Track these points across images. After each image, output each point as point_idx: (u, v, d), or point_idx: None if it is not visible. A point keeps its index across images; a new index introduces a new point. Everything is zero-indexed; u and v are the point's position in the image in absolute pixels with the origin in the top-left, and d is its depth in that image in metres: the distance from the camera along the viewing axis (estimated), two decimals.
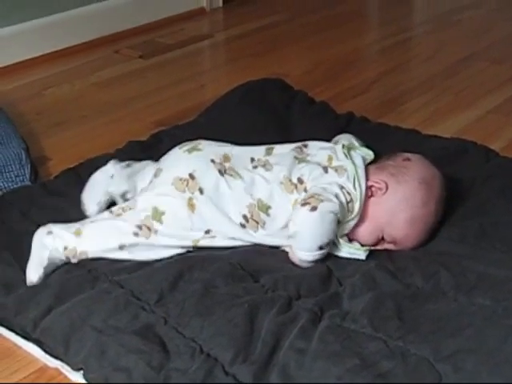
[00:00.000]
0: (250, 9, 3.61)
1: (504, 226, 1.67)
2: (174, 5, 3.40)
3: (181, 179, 1.64)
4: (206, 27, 3.44)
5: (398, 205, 1.62)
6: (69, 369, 1.40)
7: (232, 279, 1.51)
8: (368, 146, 1.75)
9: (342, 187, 1.60)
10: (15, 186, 1.94)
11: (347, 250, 1.60)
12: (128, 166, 1.82)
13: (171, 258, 1.61)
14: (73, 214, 1.76)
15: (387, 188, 1.64)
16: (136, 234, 1.60)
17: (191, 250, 1.63)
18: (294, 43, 3.19)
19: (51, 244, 1.60)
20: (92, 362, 1.36)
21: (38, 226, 1.64)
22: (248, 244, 1.64)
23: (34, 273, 1.58)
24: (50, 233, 1.61)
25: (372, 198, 1.63)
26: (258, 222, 1.61)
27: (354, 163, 1.65)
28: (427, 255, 1.60)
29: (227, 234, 1.62)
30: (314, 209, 1.54)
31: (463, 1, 3.68)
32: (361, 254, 1.60)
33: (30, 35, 2.90)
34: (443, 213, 1.68)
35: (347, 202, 1.59)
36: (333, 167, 1.64)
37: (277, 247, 1.64)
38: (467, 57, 2.94)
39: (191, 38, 3.23)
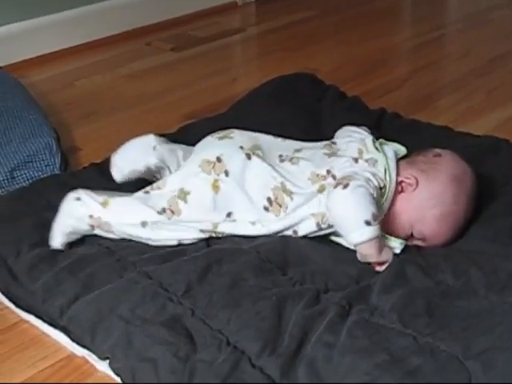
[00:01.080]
0: (283, 3, 3.60)
1: None
2: None
3: (208, 161, 1.65)
4: (238, 21, 3.43)
5: (429, 201, 1.60)
6: (95, 358, 1.40)
7: (260, 272, 1.51)
8: (399, 143, 1.73)
9: (374, 174, 1.58)
10: (45, 175, 1.95)
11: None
12: (167, 143, 1.82)
13: (198, 250, 1.60)
14: None
15: (418, 184, 1.62)
16: (159, 213, 1.61)
17: (212, 235, 1.64)
18: (326, 39, 3.18)
19: (77, 211, 1.62)
20: (118, 351, 1.35)
21: None
22: (265, 234, 1.62)
23: (56, 238, 1.62)
24: (78, 199, 1.63)
25: (402, 194, 1.61)
26: (281, 206, 1.61)
27: (385, 155, 1.64)
28: (459, 253, 1.58)
29: (248, 217, 1.62)
30: (345, 186, 1.52)
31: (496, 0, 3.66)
32: (396, 247, 1.57)
33: (62, 26, 2.91)
34: (475, 210, 1.66)
35: (380, 188, 1.57)
36: (364, 159, 1.63)
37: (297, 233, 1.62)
38: (500, 55, 2.91)
39: (223, 31, 3.23)
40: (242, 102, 2.28)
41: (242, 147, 1.67)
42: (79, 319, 1.44)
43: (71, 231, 1.63)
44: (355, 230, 1.52)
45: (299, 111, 2.15)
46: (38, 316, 1.51)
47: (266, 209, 1.61)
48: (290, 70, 2.45)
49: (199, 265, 1.53)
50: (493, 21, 3.37)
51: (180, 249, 1.61)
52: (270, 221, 1.62)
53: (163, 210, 1.61)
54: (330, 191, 1.55)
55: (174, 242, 1.63)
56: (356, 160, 1.63)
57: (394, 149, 1.69)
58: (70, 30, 2.94)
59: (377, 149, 1.65)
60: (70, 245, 1.63)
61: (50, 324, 1.48)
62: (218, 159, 1.65)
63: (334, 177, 1.61)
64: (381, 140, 1.71)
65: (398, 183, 1.62)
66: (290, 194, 1.61)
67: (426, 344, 1.31)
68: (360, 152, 1.65)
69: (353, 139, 1.71)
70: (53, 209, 1.74)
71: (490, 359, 1.27)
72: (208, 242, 1.64)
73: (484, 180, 1.78)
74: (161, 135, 2.06)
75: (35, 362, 1.43)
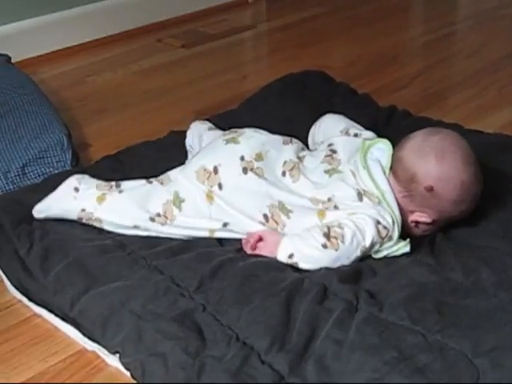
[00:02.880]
0: (293, 0, 3.60)
1: None
2: None
3: (205, 170, 1.64)
4: (249, 18, 3.43)
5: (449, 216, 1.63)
6: (106, 352, 1.41)
7: (272, 269, 1.51)
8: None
9: (378, 222, 1.55)
10: (56, 171, 1.96)
11: (388, 253, 1.58)
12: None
13: (209, 248, 1.60)
14: None
15: (434, 221, 1.62)
16: (152, 220, 1.62)
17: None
18: (336, 36, 3.17)
19: (69, 203, 1.65)
20: (129, 346, 1.36)
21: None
22: None
23: (40, 210, 1.67)
24: (76, 190, 1.66)
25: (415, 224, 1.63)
26: (277, 223, 1.60)
27: (377, 187, 1.59)
28: (469, 250, 1.58)
29: (245, 229, 1.61)
30: (324, 247, 1.52)
31: None
32: (405, 248, 1.57)
33: (73, 23, 2.92)
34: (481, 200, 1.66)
35: (383, 238, 1.55)
36: (365, 194, 1.58)
37: None
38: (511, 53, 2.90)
39: (234, 28, 3.23)
40: (253, 98, 2.29)
41: (242, 157, 1.65)
42: (90, 312, 1.45)
43: (55, 214, 1.66)
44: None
45: (310, 108, 2.15)
46: (49, 310, 1.52)
47: (263, 224, 1.60)
48: (300, 67, 2.45)
49: (212, 260, 1.54)
50: (504, 17, 3.36)
51: (190, 244, 1.62)
52: None
53: (157, 215, 1.62)
54: (316, 234, 1.53)
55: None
56: (360, 195, 1.58)
57: (379, 157, 1.64)
58: (81, 27, 2.94)
59: (369, 177, 1.60)
60: (83, 236, 1.64)
61: (62, 318, 1.49)
62: (215, 170, 1.64)
63: (336, 207, 1.58)
64: (368, 144, 1.68)
65: (411, 222, 1.63)
66: (287, 212, 1.60)
67: (434, 341, 1.31)
68: (353, 175, 1.61)
69: (350, 153, 1.67)
70: None
71: (499, 357, 1.28)
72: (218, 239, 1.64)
73: (494, 177, 1.79)
74: (175, 132, 2.08)
75: (47, 357, 1.44)
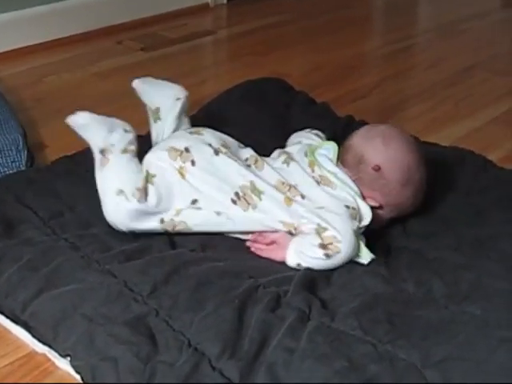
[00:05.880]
0: (255, 7, 3.61)
1: (499, 236, 1.66)
2: None
3: (175, 149, 1.67)
4: (209, 23, 3.43)
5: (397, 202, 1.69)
6: (56, 355, 1.40)
7: (227, 275, 1.51)
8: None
9: (347, 207, 1.60)
10: (11, 171, 1.93)
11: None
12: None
13: (163, 252, 1.60)
14: (68, 199, 1.77)
15: (381, 206, 1.67)
16: (137, 191, 1.61)
17: (168, 229, 1.64)
18: (296, 44, 3.19)
19: (91, 137, 1.71)
20: (80, 349, 1.35)
21: (33, 212, 1.66)
22: (229, 230, 1.65)
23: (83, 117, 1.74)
24: (110, 131, 1.70)
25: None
26: (249, 203, 1.62)
27: (328, 171, 1.67)
28: (421, 262, 1.60)
29: (214, 207, 1.63)
30: (328, 257, 1.55)
31: (468, 11, 3.69)
32: (365, 258, 1.58)
33: (32, 21, 2.90)
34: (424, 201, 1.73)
35: (355, 218, 1.60)
36: (320, 180, 1.66)
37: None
38: (469, 67, 2.94)
39: (194, 33, 3.23)
40: (212, 104, 2.29)
41: (210, 144, 1.69)
42: (42, 315, 1.43)
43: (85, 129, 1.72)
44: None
45: (268, 116, 2.16)
46: (0, 312, 1.50)
47: (234, 202, 1.63)
48: (259, 74, 2.46)
49: (166, 266, 1.53)
50: (463, 32, 3.40)
51: (144, 247, 1.61)
52: (236, 215, 1.62)
53: (137, 189, 1.61)
54: (313, 247, 1.55)
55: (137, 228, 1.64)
56: (317, 181, 1.66)
57: (326, 154, 1.72)
58: (41, 27, 2.92)
59: (319, 165, 1.69)
60: (36, 238, 1.62)
61: (13, 320, 1.48)
62: (186, 149, 1.67)
63: (302, 196, 1.63)
64: (315, 146, 1.77)
65: None
66: (259, 193, 1.62)
67: (385, 352, 1.32)
68: (312, 164, 1.69)
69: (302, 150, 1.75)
70: (19, 205, 1.74)
71: (449, 369, 1.29)
72: (171, 240, 1.64)
73: (448, 190, 1.81)
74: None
75: None
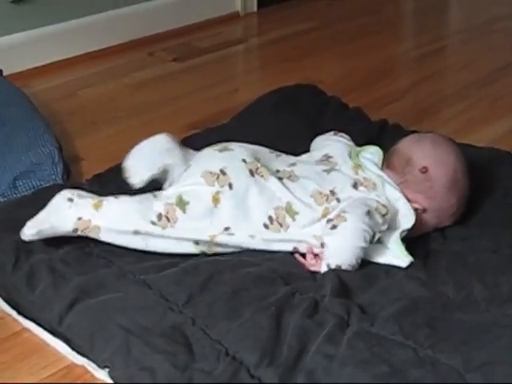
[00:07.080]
0: (284, 14, 3.60)
1: None
2: (208, 9, 3.40)
3: (211, 173, 1.63)
4: (240, 31, 3.43)
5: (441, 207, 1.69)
6: (95, 366, 1.40)
7: (262, 282, 1.50)
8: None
9: (377, 201, 1.61)
10: (47, 184, 1.95)
11: (390, 256, 1.59)
12: (177, 143, 1.77)
13: (197, 259, 1.59)
14: None
15: (425, 209, 1.67)
16: (153, 223, 1.58)
17: (205, 251, 1.62)
18: (328, 50, 3.17)
19: (64, 213, 1.59)
20: (117, 360, 1.35)
21: None
22: (263, 249, 1.62)
23: (30, 228, 1.58)
24: (70, 200, 1.61)
25: None
26: (281, 225, 1.61)
27: (373, 172, 1.67)
28: (461, 265, 1.58)
29: (248, 231, 1.61)
30: (334, 227, 1.55)
31: (499, 11, 3.65)
32: (404, 261, 1.58)
33: (65, 36, 2.91)
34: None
35: (384, 215, 1.59)
36: (362, 182, 1.65)
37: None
38: (503, 67, 2.91)
39: (225, 42, 3.23)
40: (245, 112, 2.29)
41: (244, 160, 1.66)
42: (78, 327, 1.44)
43: (48, 228, 1.58)
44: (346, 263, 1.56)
45: (301, 122, 2.15)
46: (38, 324, 1.51)
47: (266, 226, 1.61)
48: (291, 81, 2.45)
49: (200, 274, 1.53)
50: (496, 32, 3.36)
51: (177, 260, 1.60)
52: (269, 238, 1.61)
53: (159, 218, 1.59)
54: (325, 232, 1.57)
55: (168, 252, 1.62)
56: (355, 185, 1.65)
57: (371, 158, 1.72)
58: (73, 40, 2.94)
59: (363, 168, 1.69)
60: (69, 251, 1.62)
61: (51, 332, 1.48)
62: (222, 172, 1.63)
63: (338, 200, 1.62)
64: (359, 149, 1.77)
65: None
66: (293, 214, 1.61)
67: (426, 356, 1.31)
68: (356, 167, 1.69)
69: (347, 155, 1.74)
70: None
71: (491, 372, 1.27)
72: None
73: (486, 192, 1.79)
74: None
75: (36, 371, 1.42)
